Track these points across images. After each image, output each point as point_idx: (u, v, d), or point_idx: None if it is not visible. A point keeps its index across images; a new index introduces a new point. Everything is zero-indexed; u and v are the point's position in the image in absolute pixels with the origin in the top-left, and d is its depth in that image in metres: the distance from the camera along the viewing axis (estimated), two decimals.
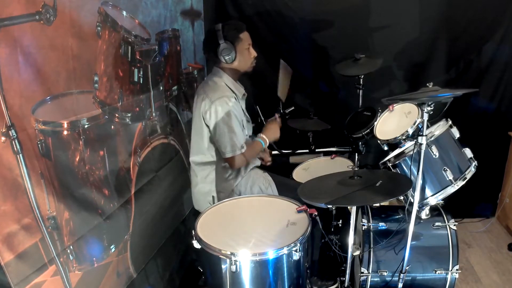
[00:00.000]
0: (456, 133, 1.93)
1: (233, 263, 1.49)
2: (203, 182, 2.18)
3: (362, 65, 2.49)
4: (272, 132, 2.20)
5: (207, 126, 2.05)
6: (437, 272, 1.98)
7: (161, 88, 2.14)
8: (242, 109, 2.17)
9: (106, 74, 1.59)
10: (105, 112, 1.59)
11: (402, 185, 1.66)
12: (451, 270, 1.97)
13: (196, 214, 2.20)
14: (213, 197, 2.17)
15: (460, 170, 1.88)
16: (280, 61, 2.49)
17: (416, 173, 1.71)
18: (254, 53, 2.12)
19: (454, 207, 2.10)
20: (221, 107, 1.98)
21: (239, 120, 2.06)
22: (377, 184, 1.64)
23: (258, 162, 2.35)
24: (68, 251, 1.37)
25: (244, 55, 2.07)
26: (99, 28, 1.51)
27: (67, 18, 1.32)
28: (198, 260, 2.26)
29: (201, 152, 2.13)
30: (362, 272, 2.01)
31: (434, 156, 1.83)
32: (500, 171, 3.07)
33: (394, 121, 1.99)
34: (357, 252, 1.92)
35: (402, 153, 1.89)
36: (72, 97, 1.38)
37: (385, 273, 2.00)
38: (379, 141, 1.98)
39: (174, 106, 2.33)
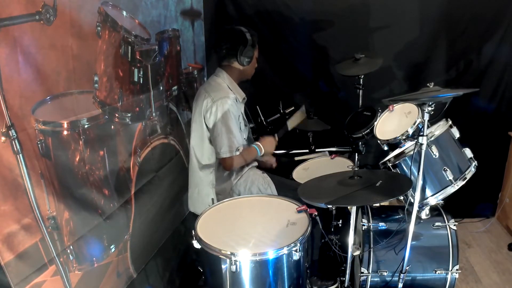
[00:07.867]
0: (456, 133, 1.93)
1: (233, 263, 1.49)
2: (201, 185, 2.17)
3: (362, 65, 2.49)
4: (268, 145, 2.25)
5: (207, 126, 2.06)
6: (437, 272, 1.98)
7: (161, 88, 2.13)
8: (241, 113, 2.19)
9: (106, 74, 1.59)
10: (105, 112, 1.58)
11: (402, 185, 1.66)
12: (451, 270, 1.97)
13: (196, 214, 2.19)
14: (212, 199, 2.17)
15: (460, 170, 1.88)
16: (301, 106, 2.59)
17: (416, 173, 1.71)
18: (256, 64, 2.23)
19: (454, 207, 2.10)
20: (221, 107, 1.99)
21: (237, 122, 2.07)
22: (377, 184, 1.64)
23: (255, 163, 2.35)
24: (68, 251, 1.36)
25: (254, 63, 2.19)
26: (99, 28, 1.51)
27: (67, 18, 1.32)
28: (198, 260, 2.25)
29: (201, 154, 2.13)
30: (362, 272, 2.01)
31: (434, 156, 1.83)
32: (500, 171, 3.07)
33: (394, 121, 1.99)
34: (357, 252, 1.92)
35: (402, 153, 1.89)
36: (72, 97, 1.38)
37: (385, 273, 2.00)
38: (379, 141, 1.98)
39: (174, 106, 2.33)
